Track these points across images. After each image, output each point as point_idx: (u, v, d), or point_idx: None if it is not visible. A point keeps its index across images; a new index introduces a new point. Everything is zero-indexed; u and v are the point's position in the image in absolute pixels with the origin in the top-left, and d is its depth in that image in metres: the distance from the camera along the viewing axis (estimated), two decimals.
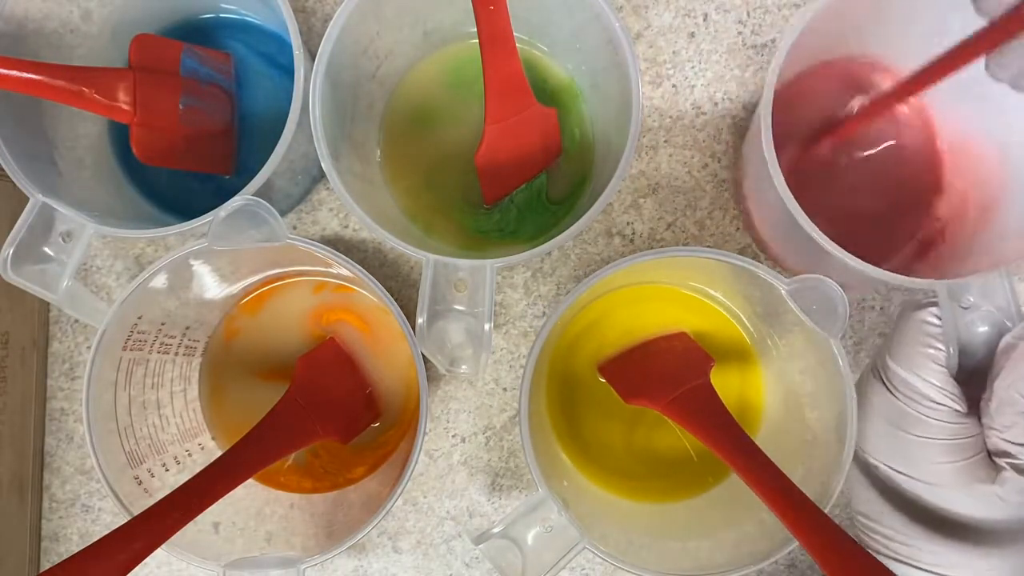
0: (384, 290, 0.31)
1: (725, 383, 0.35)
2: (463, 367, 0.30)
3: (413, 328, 0.29)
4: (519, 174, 0.35)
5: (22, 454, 0.38)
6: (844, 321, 0.28)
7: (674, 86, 0.38)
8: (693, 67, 0.38)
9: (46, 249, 0.30)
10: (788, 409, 0.35)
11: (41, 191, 0.30)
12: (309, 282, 0.38)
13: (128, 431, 0.32)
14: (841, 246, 0.28)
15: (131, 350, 0.32)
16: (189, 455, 0.35)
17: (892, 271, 0.29)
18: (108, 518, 0.40)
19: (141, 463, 0.32)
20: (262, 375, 0.38)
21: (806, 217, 0.29)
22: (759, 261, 0.38)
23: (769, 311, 0.33)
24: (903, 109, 0.36)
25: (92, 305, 0.32)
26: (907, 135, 0.36)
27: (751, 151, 0.33)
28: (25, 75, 0.30)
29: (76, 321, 0.40)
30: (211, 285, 0.35)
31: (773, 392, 0.36)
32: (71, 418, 0.40)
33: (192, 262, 0.32)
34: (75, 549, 0.40)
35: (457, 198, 0.37)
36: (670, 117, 0.38)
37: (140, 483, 0.32)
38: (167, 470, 0.34)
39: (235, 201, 0.29)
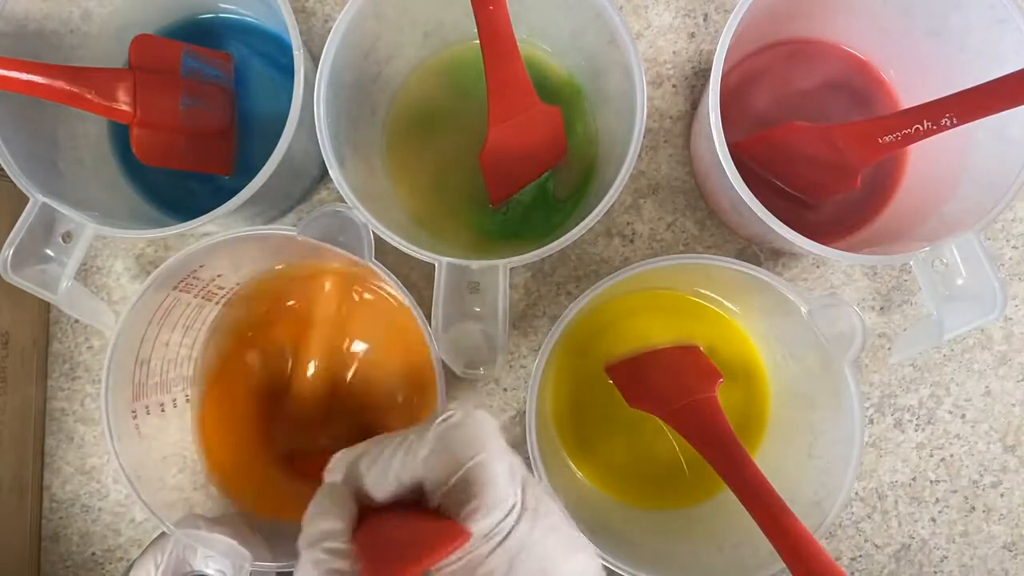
0: (414, 301, 0.30)
1: (732, 395, 0.35)
2: (480, 369, 0.29)
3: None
4: (525, 173, 0.35)
5: (22, 454, 0.38)
6: (860, 348, 0.28)
7: (674, 86, 0.38)
8: (693, 67, 0.38)
9: (46, 249, 0.30)
10: (793, 425, 0.35)
11: (41, 191, 0.30)
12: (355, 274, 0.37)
13: (144, 364, 0.33)
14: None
15: (180, 291, 0.32)
16: (188, 401, 0.36)
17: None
18: (108, 518, 0.40)
19: (142, 398, 0.33)
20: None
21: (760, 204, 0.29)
22: (758, 257, 0.38)
23: (785, 328, 0.33)
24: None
25: (92, 305, 0.32)
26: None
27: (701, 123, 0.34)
28: (25, 75, 0.30)
29: (76, 321, 0.40)
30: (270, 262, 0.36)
31: (779, 407, 0.36)
32: (71, 418, 0.40)
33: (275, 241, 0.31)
34: (75, 549, 0.40)
35: (463, 199, 0.37)
36: (670, 117, 0.38)
37: (134, 417, 0.32)
38: (163, 411, 0.34)
39: (336, 207, 0.30)
